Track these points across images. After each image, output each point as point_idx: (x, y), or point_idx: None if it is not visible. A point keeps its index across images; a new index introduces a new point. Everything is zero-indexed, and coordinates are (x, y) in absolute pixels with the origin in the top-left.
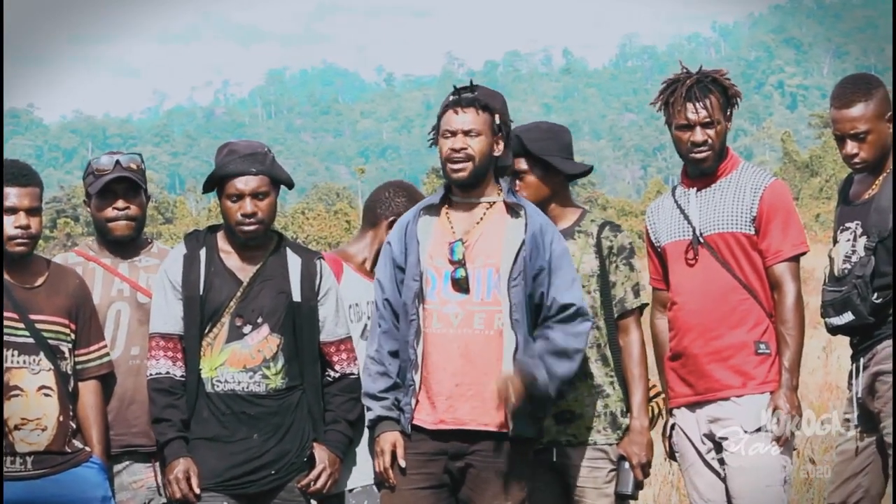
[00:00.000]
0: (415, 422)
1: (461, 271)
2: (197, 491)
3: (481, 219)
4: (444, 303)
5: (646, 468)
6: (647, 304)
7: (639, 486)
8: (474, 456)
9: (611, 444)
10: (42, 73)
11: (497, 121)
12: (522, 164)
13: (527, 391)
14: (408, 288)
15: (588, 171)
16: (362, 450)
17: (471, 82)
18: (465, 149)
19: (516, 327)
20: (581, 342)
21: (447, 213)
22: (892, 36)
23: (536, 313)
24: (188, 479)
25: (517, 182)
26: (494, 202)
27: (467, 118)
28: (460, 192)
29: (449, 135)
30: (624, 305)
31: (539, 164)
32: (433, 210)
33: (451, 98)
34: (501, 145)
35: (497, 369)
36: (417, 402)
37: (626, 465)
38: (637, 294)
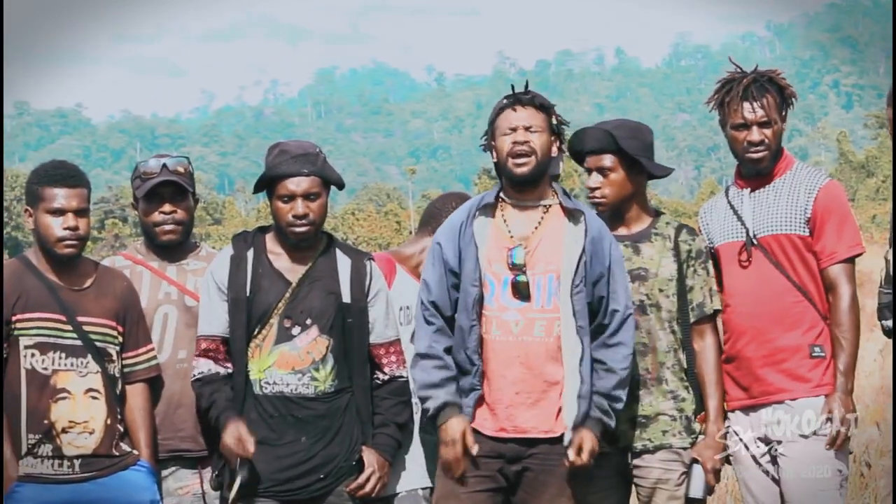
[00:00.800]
0: (473, 425)
1: (522, 277)
2: (252, 449)
3: (539, 222)
4: (503, 309)
5: (718, 473)
6: (720, 310)
7: (710, 490)
8: (532, 459)
9: (685, 448)
10: (89, 73)
11: (554, 121)
12: (608, 161)
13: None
14: (467, 293)
15: (670, 173)
16: (409, 454)
17: (526, 83)
18: (528, 142)
19: (581, 334)
20: (629, 362)
21: (503, 214)
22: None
23: (592, 319)
24: (244, 441)
25: (600, 178)
26: (551, 205)
27: (527, 114)
28: (516, 192)
29: (510, 131)
30: (703, 310)
31: (627, 161)
32: (488, 211)
33: (507, 99)
34: (557, 147)
35: (557, 378)
36: (478, 407)
37: (698, 468)
38: (713, 299)
